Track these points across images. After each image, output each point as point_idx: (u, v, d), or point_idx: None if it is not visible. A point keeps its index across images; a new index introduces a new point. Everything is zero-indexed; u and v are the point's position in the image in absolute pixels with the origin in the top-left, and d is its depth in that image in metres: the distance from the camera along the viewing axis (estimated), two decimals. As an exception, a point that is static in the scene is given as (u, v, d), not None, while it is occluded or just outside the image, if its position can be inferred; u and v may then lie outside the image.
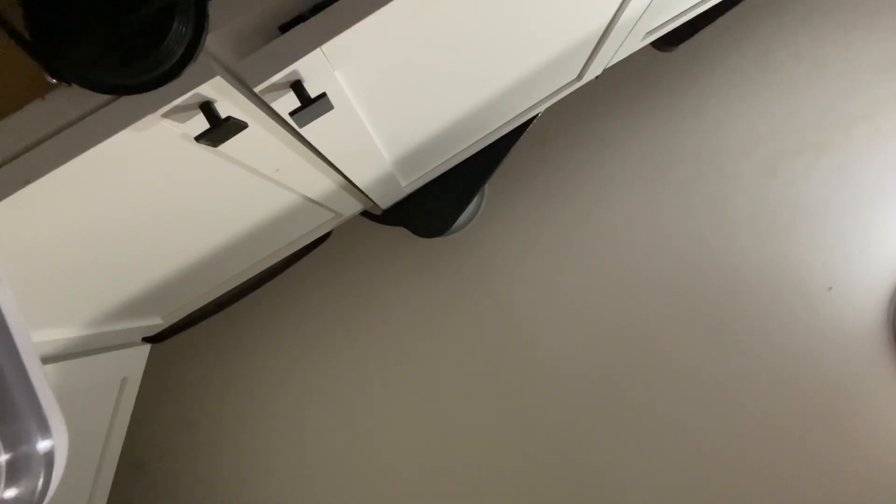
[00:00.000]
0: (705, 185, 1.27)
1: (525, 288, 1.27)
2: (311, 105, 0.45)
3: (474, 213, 1.26)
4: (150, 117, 0.40)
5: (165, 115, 0.42)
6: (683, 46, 1.18)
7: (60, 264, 0.53)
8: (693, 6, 0.97)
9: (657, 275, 1.26)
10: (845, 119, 1.26)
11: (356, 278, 1.28)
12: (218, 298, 0.95)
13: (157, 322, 0.87)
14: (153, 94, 0.37)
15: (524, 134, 1.03)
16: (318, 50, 0.43)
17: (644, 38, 0.96)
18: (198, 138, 0.43)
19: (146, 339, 0.92)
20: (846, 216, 1.24)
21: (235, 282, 0.93)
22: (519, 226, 1.28)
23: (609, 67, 1.00)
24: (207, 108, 0.42)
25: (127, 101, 0.40)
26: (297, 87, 0.46)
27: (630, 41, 0.91)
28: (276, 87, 0.45)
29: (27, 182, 0.40)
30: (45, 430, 0.39)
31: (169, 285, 0.75)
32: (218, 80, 0.41)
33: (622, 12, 0.73)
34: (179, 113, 0.42)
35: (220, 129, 0.43)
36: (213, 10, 0.38)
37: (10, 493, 0.36)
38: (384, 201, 0.99)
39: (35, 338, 0.59)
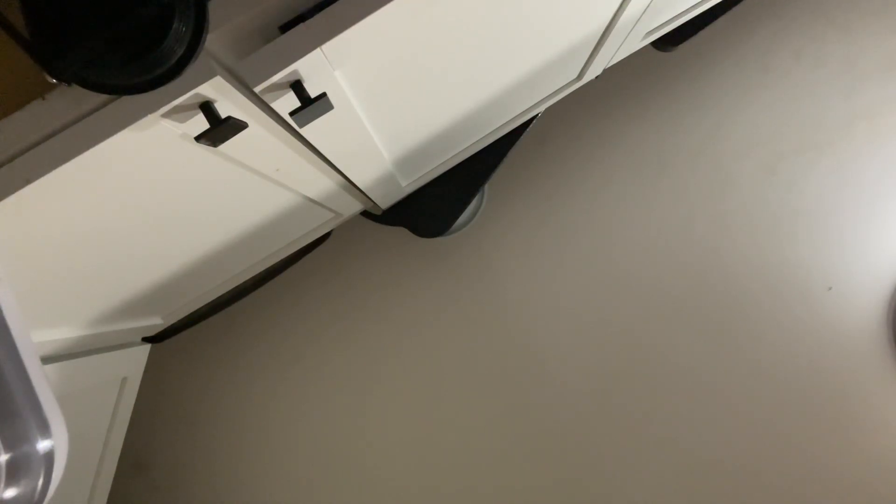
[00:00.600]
0: (705, 185, 1.27)
1: (525, 288, 1.27)
2: (311, 105, 0.45)
3: (474, 213, 1.26)
4: (150, 117, 0.40)
5: (165, 115, 0.42)
6: (683, 46, 1.18)
7: (61, 264, 0.53)
8: (693, 6, 0.97)
9: (656, 274, 1.26)
10: (845, 119, 1.25)
11: (356, 278, 1.28)
12: (218, 298, 0.95)
13: (157, 322, 0.87)
14: (153, 94, 0.37)
15: (524, 134, 1.03)
16: (318, 50, 0.43)
17: (644, 38, 0.96)
18: (198, 138, 0.43)
19: (146, 339, 0.92)
20: (846, 216, 1.24)
21: (235, 282, 0.93)
22: (519, 226, 1.28)
23: (609, 67, 1.00)
24: (207, 108, 0.42)
25: (127, 101, 0.40)
26: (297, 87, 0.46)
27: (630, 41, 0.91)
28: (276, 87, 0.45)
29: (27, 182, 0.40)
30: (45, 430, 0.39)
31: (169, 285, 0.75)
32: (218, 80, 0.41)
33: (622, 12, 0.73)
34: (179, 113, 0.42)
35: (220, 129, 0.43)
36: (213, 10, 0.38)
37: (10, 493, 0.36)
38: (384, 201, 0.99)
39: (35, 338, 0.59)
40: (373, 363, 1.26)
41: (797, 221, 1.24)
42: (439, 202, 1.09)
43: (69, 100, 0.40)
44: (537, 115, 1.00)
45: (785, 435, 1.21)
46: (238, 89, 0.44)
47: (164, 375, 1.25)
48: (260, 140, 0.53)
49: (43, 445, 0.39)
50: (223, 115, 0.43)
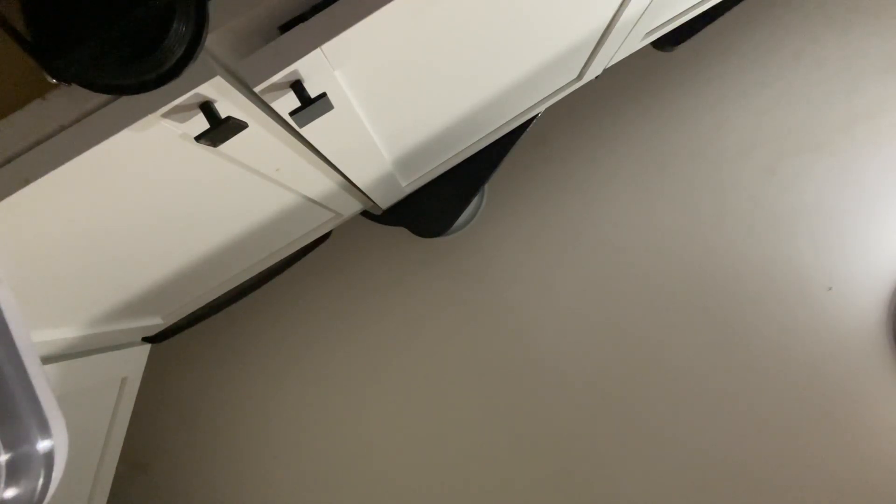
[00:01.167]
0: (705, 185, 1.27)
1: (524, 288, 1.27)
2: (311, 105, 0.45)
3: (474, 213, 1.26)
4: (149, 117, 0.40)
5: (165, 115, 0.42)
6: (683, 46, 1.18)
7: (61, 264, 0.53)
8: (693, 6, 0.97)
9: (656, 275, 1.26)
10: (845, 119, 1.25)
11: (356, 278, 1.28)
12: (218, 298, 0.95)
13: (157, 322, 0.87)
14: (153, 94, 0.37)
15: (524, 134, 1.03)
16: (318, 50, 0.43)
17: (644, 38, 0.96)
18: (198, 138, 0.43)
19: (146, 339, 0.92)
20: (846, 216, 1.24)
21: (235, 282, 0.93)
22: (519, 226, 1.28)
23: (609, 67, 1.00)
24: (207, 108, 0.42)
25: (127, 101, 0.40)
26: (297, 87, 0.46)
27: (630, 41, 0.91)
28: (276, 87, 0.45)
29: (27, 182, 0.40)
30: (45, 430, 0.39)
31: (169, 285, 0.75)
32: (218, 80, 0.41)
33: (622, 12, 0.73)
34: (179, 113, 0.42)
35: (220, 129, 0.43)
36: (213, 10, 0.38)
37: (10, 493, 0.36)
38: (384, 201, 0.99)
39: (35, 338, 0.59)
40: (373, 363, 1.26)
41: (797, 221, 1.24)
42: (439, 202, 1.09)
43: (69, 100, 0.40)
44: (537, 115, 1.00)
45: (785, 435, 1.21)
46: (238, 89, 0.44)
47: (164, 375, 1.25)
48: (260, 140, 0.53)
49: (43, 445, 0.39)
50: (223, 115, 0.43)
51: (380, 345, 1.26)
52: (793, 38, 1.28)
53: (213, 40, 0.42)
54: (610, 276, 1.26)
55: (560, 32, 0.70)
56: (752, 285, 1.24)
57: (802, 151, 1.26)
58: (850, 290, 1.23)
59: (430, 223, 1.12)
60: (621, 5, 0.71)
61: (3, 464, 0.36)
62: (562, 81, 0.92)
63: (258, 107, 0.48)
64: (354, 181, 0.78)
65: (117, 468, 0.89)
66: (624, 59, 1.02)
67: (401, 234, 1.24)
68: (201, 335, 1.24)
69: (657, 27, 0.96)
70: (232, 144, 0.49)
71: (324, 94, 0.46)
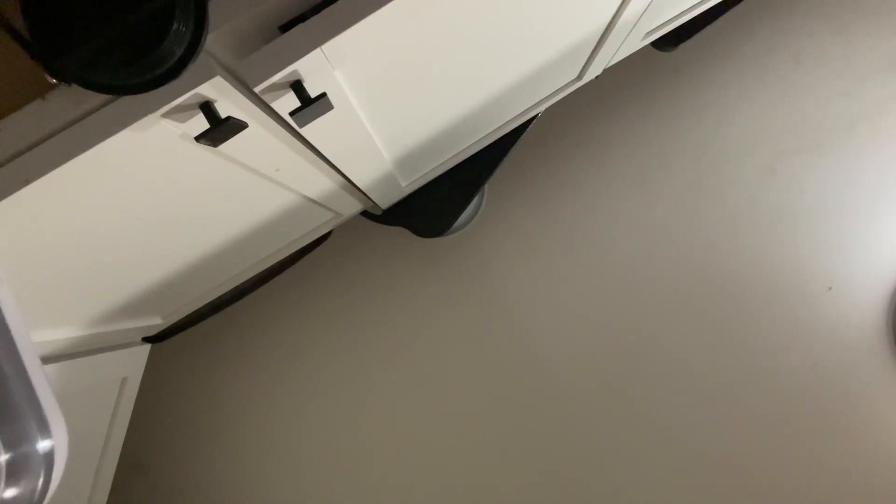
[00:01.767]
0: (705, 185, 1.27)
1: (525, 288, 1.27)
2: (311, 105, 0.45)
3: (474, 213, 1.26)
4: (149, 117, 0.40)
5: (165, 115, 0.42)
6: (683, 46, 1.18)
7: (61, 264, 0.53)
8: (693, 6, 0.97)
9: (656, 275, 1.26)
10: (845, 119, 1.25)
11: (356, 278, 1.28)
12: (218, 298, 0.95)
13: (157, 322, 0.87)
14: (153, 94, 0.37)
15: (524, 134, 1.03)
16: (318, 50, 0.43)
17: (644, 38, 0.96)
18: (198, 138, 0.43)
19: (146, 339, 0.92)
20: (846, 216, 1.24)
21: (235, 282, 0.93)
22: (519, 226, 1.28)
23: (609, 67, 1.00)
24: (207, 108, 0.42)
25: (127, 101, 0.40)
26: (297, 87, 0.46)
27: (630, 41, 0.91)
28: (276, 87, 0.45)
29: (27, 182, 0.40)
30: (45, 430, 0.39)
31: (169, 285, 0.75)
32: (218, 80, 0.41)
33: (622, 12, 0.73)
34: (179, 113, 0.42)
35: (220, 129, 0.43)
36: (213, 10, 0.38)
37: (10, 493, 0.36)
38: (384, 201, 0.99)
39: (35, 338, 0.59)
40: (373, 363, 1.26)
41: (797, 221, 1.24)
42: (439, 202, 1.08)
43: (69, 100, 0.40)
44: (537, 115, 1.00)
45: (785, 434, 1.21)
46: (238, 89, 0.44)
47: (164, 375, 1.25)
48: (260, 140, 0.53)
49: (43, 445, 0.39)
50: (223, 115, 0.43)
51: (380, 344, 1.26)
52: (792, 38, 1.28)
53: (213, 40, 0.42)
54: (610, 276, 1.26)
55: (560, 32, 0.70)
56: (752, 285, 1.24)
57: (802, 151, 1.26)
58: (850, 290, 1.23)
59: (430, 223, 1.12)
60: (621, 5, 0.71)
61: (3, 464, 0.36)
62: (562, 81, 0.92)
63: (258, 107, 0.48)
64: (354, 181, 0.78)
65: (117, 468, 0.89)
66: (624, 59, 1.02)
67: (401, 234, 1.24)
68: (201, 335, 1.24)
69: (657, 27, 0.96)
70: (232, 144, 0.49)
71: (324, 94, 0.46)
